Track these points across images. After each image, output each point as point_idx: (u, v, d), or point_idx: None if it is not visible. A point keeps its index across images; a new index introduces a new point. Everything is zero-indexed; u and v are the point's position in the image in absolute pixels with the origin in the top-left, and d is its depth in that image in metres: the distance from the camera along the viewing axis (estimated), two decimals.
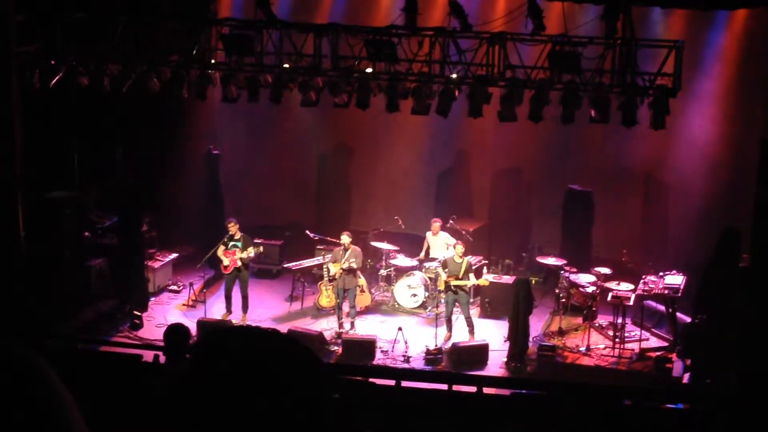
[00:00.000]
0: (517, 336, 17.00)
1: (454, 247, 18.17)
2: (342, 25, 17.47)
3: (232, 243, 18.46)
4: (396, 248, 20.15)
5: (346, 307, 18.37)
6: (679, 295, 17.56)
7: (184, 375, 2.07)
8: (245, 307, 18.63)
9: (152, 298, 19.54)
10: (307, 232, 20.79)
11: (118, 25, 17.32)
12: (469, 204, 22.93)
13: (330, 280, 18.61)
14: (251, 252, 18.54)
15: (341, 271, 18.11)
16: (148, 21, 17.70)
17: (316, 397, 2.06)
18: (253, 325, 2.42)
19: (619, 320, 17.66)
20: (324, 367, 2.16)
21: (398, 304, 19.48)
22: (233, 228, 18.50)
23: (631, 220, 21.56)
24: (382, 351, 17.27)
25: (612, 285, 18.02)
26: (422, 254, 20.00)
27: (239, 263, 18.40)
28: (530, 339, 17.43)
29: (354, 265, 18.15)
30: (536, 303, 18.25)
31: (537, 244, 21.74)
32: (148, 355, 12.66)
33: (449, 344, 17.54)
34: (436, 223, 19.75)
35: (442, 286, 18.06)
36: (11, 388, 1.81)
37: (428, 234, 19.94)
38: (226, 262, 18.42)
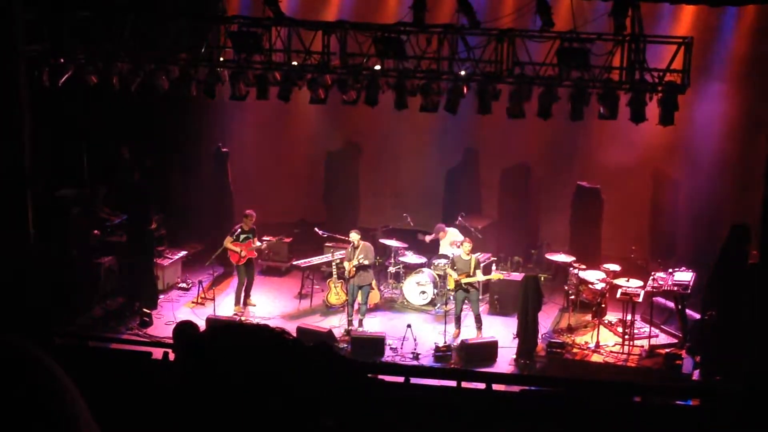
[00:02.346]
0: (527, 333, 16.98)
1: (461, 245, 18.16)
2: (350, 23, 17.46)
3: (245, 236, 18.69)
4: (405, 245, 20.16)
5: (356, 305, 18.36)
6: (689, 291, 17.54)
7: (182, 373, 2.07)
8: (249, 291, 19.16)
9: (161, 296, 19.58)
10: (316, 229, 20.80)
11: (126, 24, 17.34)
12: (478, 201, 22.93)
13: (339, 277, 18.66)
14: (261, 243, 18.97)
15: (353, 269, 18.12)
16: (156, 19, 17.72)
17: (314, 396, 2.06)
18: (257, 321, 2.42)
19: (629, 317, 17.64)
20: (331, 364, 2.16)
21: (407, 301, 19.49)
22: (250, 221, 18.74)
23: (639, 217, 21.54)
24: (391, 348, 17.27)
25: (621, 282, 18.00)
26: (428, 238, 20.00)
27: (256, 254, 18.78)
28: (539, 336, 17.42)
29: (365, 262, 18.14)
30: (545, 300, 18.23)
31: (546, 241, 21.72)
32: (158, 353, 12.68)
33: (458, 341, 17.54)
34: (441, 232, 19.78)
35: (451, 286, 18.03)
36: (18, 385, 1.81)
37: (438, 235, 19.95)
38: (243, 253, 18.64)
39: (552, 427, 10.47)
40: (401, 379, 12.08)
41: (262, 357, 2.06)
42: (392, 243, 20.12)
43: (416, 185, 22.86)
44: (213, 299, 19.01)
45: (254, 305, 19.08)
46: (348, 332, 17.88)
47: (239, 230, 18.78)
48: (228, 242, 18.74)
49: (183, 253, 20.98)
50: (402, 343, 17.33)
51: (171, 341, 12.71)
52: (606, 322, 18.34)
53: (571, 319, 18.45)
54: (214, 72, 17.60)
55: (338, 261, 18.80)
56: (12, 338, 1.88)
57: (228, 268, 19.94)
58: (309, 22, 17.86)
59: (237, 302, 18.86)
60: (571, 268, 18.84)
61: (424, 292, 19.32)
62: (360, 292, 18.27)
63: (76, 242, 18.44)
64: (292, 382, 2.04)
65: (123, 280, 19.28)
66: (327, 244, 20.52)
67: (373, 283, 18.95)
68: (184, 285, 20.39)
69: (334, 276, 18.85)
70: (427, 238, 20.09)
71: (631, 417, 10.99)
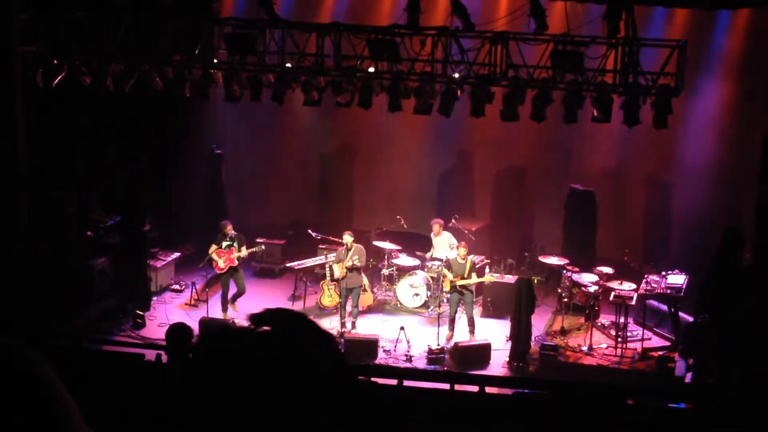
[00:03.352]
0: (520, 335, 16.99)
1: (457, 249, 18.18)
2: (344, 25, 17.46)
3: (226, 243, 18.50)
4: (398, 248, 20.16)
5: (349, 307, 18.38)
6: (682, 294, 17.56)
7: (184, 375, 2.08)
8: (235, 298, 18.76)
9: (155, 298, 19.56)
10: (310, 231, 20.79)
11: (120, 24, 17.33)
12: (472, 203, 22.94)
13: (332, 280, 18.63)
14: (245, 251, 18.63)
15: (345, 271, 18.12)
16: (150, 20, 17.70)
17: (314, 399, 2.06)
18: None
19: (622, 320, 17.65)
20: (337, 366, 2.15)
21: (400, 303, 19.49)
22: (228, 228, 18.57)
23: (633, 220, 21.57)
24: (384, 350, 17.28)
25: (614, 284, 18.02)
26: (430, 254, 19.97)
27: (236, 262, 18.48)
28: (532, 338, 17.43)
29: (358, 263, 18.15)
30: (538, 302, 18.22)
31: (539, 244, 21.74)
32: (151, 355, 12.67)
33: (451, 344, 17.55)
34: (436, 225, 19.77)
35: (447, 287, 18.06)
36: (12, 388, 1.81)
37: (432, 235, 19.96)
38: (221, 263, 18.44)
39: (545, 429, 10.47)
40: (394, 382, 12.07)
41: (259, 358, 2.07)
42: (386, 245, 20.12)
43: (410, 187, 22.87)
44: (206, 301, 19.00)
45: (236, 310, 18.77)
46: (341, 334, 17.88)
47: (220, 237, 18.62)
48: (212, 250, 18.61)
49: (176, 254, 20.97)
50: (395, 346, 17.34)
51: (164, 343, 12.70)
52: (599, 324, 18.35)
53: (564, 322, 18.46)
54: (208, 73, 17.59)
55: (331, 263, 18.78)
56: (3, 340, 1.88)
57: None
58: (303, 24, 17.87)
59: (224, 309, 18.75)
60: (565, 271, 18.85)
61: (417, 295, 19.32)
62: (351, 294, 18.27)
63: (69, 243, 18.40)
64: (289, 383, 2.05)
65: (116, 282, 19.25)
66: (320, 246, 20.50)
67: (367, 285, 18.95)
68: (177, 287, 20.37)
69: (328, 278, 18.83)
70: (428, 255, 20.03)
71: (623, 419, 10.99)
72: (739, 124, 19.71)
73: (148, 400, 8.43)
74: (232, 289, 18.72)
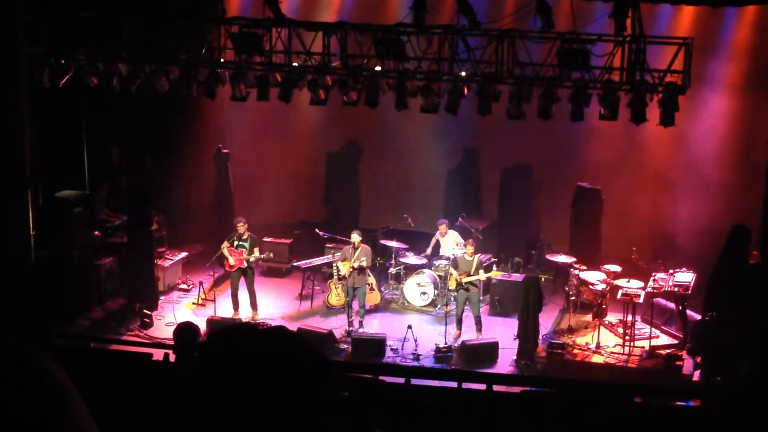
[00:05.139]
0: (527, 334, 16.99)
1: (464, 247, 18.18)
2: (351, 24, 17.46)
3: (239, 243, 18.47)
4: (405, 246, 20.16)
5: (355, 306, 18.38)
6: (689, 292, 17.53)
7: (192, 373, 2.08)
8: (254, 304, 18.68)
9: (162, 297, 19.57)
10: (317, 230, 20.81)
11: (126, 25, 17.34)
12: (478, 202, 22.93)
13: (339, 279, 18.63)
14: (257, 254, 18.57)
15: (351, 269, 18.13)
16: (156, 20, 17.71)
17: (321, 395, 2.06)
18: (260, 322, 2.43)
19: (629, 318, 17.63)
20: (331, 364, 2.16)
21: (408, 302, 19.49)
22: (242, 227, 18.50)
23: (640, 218, 21.53)
24: (391, 349, 17.28)
25: (622, 282, 17.99)
26: (429, 250, 20.02)
27: (245, 264, 18.44)
28: (540, 337, 17.43)
29: (364, 264, 18.16)
30: (546, 301, 18.23)
31: (546, 242, 21.71)
32: (158, 354, 12.68)
33: (459, 342, 17.54)
34: (443, 225, 19.78)
35: (453, 286, 18.04)
36: (17, 386, 1.81)
37: (437, 234, 19.96)
38: (231, 260, 18.43)
39: (552, 428, 10.46)
40: (402, 380, 12.07)
41: (267, 356, 2.07)
42: (393, 244, 20.12)
43: (417, 186, 22.86)
44: (213, 300, 18.99)
45: (257, 318, 18.56)
46: (348, 333, 17.90)
47: (234, 236, 18.60)
48: (224, 247, 18.60)
49: (184, 254, 20.99)
50: (402, 344, 17.33)
51: (171, 342, 12.71)
52: (606, 322, 18.34)
53: (571, 320, 18.45)
54: (214, 73, 17.59)
55: (338, 261, 18.77)
56: (10, 339, 1.88)
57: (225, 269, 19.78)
58: (309, 23, 17.86)
59: (235, 308, 18.74)
60: (572, 269, 18.84)
61: (424, 293, 19.32)
62: (356, 293, 18.27)
63: (76, 243, 18.42)
64: (297, 380, 2.05)
65: (123, 282, 19.28)
66: (328, 245, 20.53)
67: (374, 284, 18.97)
68: (184, 286, 20.39)
69: (335, 277, 18.84)
70: (428, 251, 20.07)
71: (631, 418, 10.98)
72: (746, 121, 19.67)
73: (156, 399, 8.44)
74: (242, 288, 18.69)
